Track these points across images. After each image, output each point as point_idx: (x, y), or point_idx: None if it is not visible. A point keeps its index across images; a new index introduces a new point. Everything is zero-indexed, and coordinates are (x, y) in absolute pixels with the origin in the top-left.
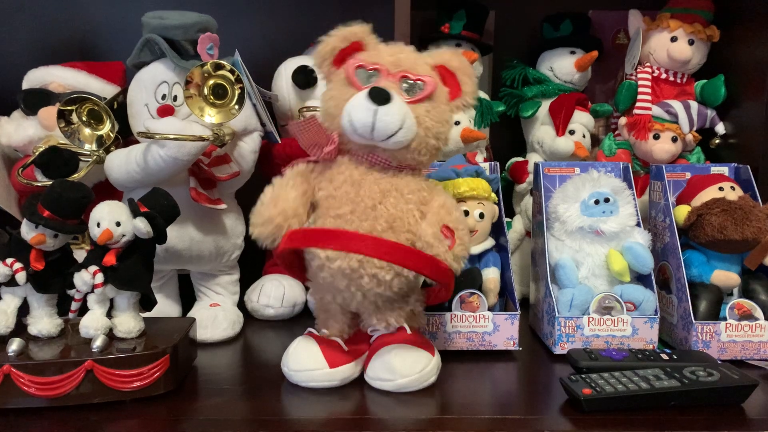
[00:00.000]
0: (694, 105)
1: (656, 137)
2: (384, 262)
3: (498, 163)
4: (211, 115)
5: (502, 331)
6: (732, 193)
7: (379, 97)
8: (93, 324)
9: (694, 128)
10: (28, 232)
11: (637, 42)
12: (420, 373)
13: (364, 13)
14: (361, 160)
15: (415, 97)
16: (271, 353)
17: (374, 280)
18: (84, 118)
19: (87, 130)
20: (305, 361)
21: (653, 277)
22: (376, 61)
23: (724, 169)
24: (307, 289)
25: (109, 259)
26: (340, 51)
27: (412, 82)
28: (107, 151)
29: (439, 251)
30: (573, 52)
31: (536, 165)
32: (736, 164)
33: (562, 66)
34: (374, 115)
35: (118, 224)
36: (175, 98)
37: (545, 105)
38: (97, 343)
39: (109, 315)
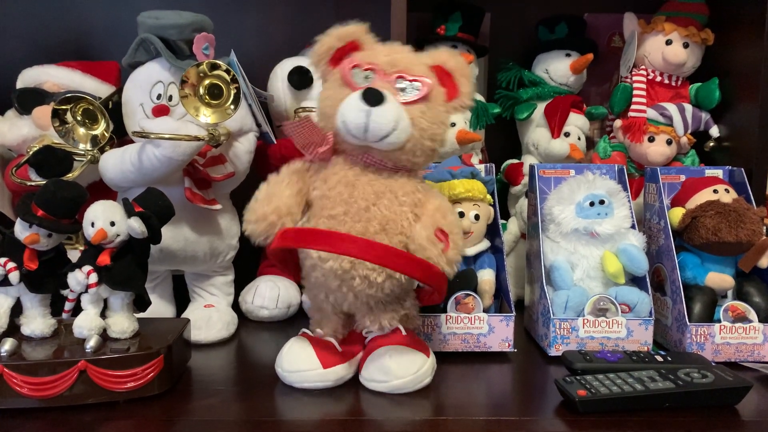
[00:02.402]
0: (688, 108)
1: (651, 140)
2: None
3: (493, 165)
4: (207, 115)
5: (497, 333)
6: (726, 195)
7: (373, 98)
8: (86, 324)
9: (689, 131)
10: (21, 231)
11: (632, 45)
12: (415, 374)
13: (360, 15)
14: (356, 160)
15: (411, 98)
16: (265, 354)
17: (365, 282)
18: (78, 118)
19: (81, 130)
20: (299, 362)
21: (648, 279)
22: (371, 61)
23: (718, 172)
24: (301, 290)
25: (104, 259)
26: (337, 50)
27: (408, 82)
28: (102, 150)
29: (432, 254)
30: (568, 55)
31: (531, 167)
32: (730, 167)
33: (558, 68)
34: (367, 116)
35: (112, 224)
36: (170, 98)
37: (540, 107)
38: (91, 344)
39: (102, 315)
